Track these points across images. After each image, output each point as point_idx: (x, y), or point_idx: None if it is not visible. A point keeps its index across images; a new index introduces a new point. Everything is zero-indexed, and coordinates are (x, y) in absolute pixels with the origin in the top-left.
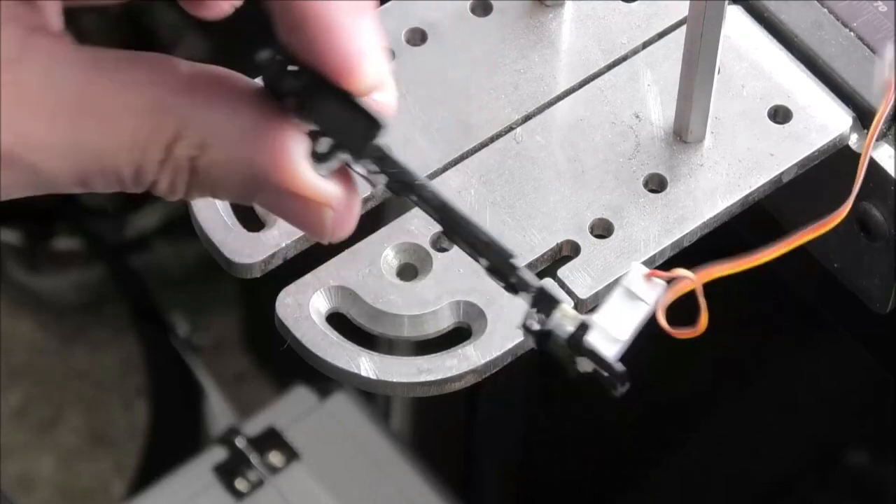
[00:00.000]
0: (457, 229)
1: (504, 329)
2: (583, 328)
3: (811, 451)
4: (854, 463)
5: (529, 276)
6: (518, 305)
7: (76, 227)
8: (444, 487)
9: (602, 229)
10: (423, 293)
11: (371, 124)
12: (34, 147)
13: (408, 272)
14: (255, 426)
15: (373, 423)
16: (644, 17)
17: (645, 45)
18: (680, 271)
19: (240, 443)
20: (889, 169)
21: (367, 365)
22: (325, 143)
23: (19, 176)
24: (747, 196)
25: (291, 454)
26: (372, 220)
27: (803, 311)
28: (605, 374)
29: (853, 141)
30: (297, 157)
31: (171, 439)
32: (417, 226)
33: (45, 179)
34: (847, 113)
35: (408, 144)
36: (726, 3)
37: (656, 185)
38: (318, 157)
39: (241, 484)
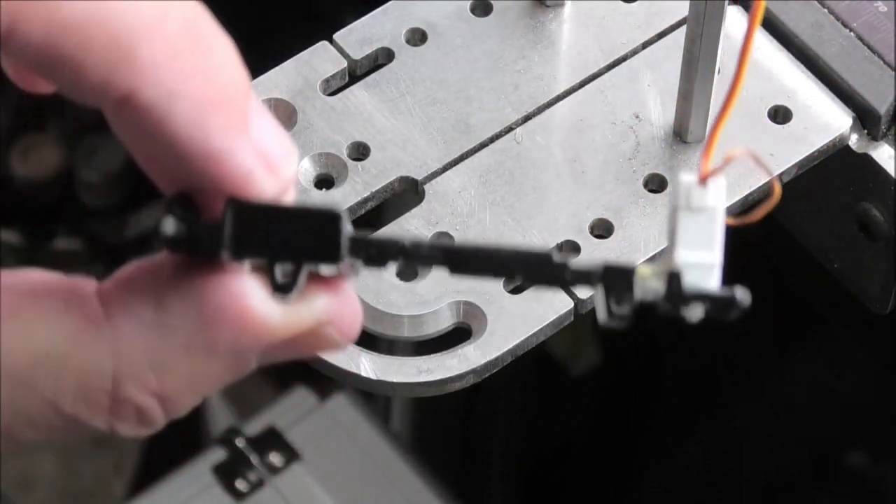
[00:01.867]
0: (474, 265)
1: (504, 329)
2: (674, 279)
3: (811, 452)
4: (854, 463)
5: (584, 264)
6: (517, 305)
7: (76, 227)
8: (444, 487)
9: (602, 229)
10: (423, 293)
11: (327, 218)
12: None
13: (408, 272)
14: (255, 426)
15: (373, 423)
16: (644, 17)
17: (645, 45)
18: (731, 152)
19: (240, 443)
20: (889, 169)
21: (367, 365)
22: (281, 271)
23: None
24: (747, 196)
25: (291, 454)
26: (372, 220)
27: (803, 311)
28: (722, 304)
29: (853, 141)
30: (257, 302)
31: (171, 439)
32: (417, 226)
33: None
34: (847, 113)
35: (408, 144)
36: (726, 3)
37: (656, 185)
38: (281, 288)
39: (241, 484)
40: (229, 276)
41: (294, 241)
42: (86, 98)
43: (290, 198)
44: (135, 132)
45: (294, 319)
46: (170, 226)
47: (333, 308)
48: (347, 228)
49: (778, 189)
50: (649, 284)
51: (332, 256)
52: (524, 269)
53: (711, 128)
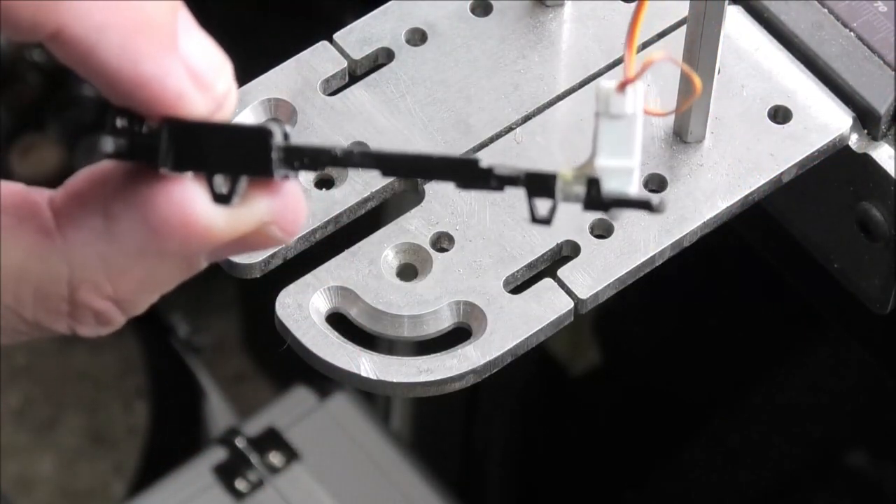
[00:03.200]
0: (404, 168)
1: (504, 329)
2: (593, 184)
3: (811, 452)
4: (854, 463)
5: (509, 170)
6: (517, 305)
7: None
8: (444, 487)
9: (602, 229)
10: (423, 293)
11: (257, 135)
12: None
13: (408, 272)
14: (255, 426)
15: (373, 423)
16: (644, 17)
17: (645, 45)
18: (648, 56)
19: (240, 443)
20: (889, 169)
21: (367, 365)
22: (221, 181)
23: None
24: (747, 196)
25: (291, 454)
26: (372, 220)
27: (803, 311)
28: (639, 208)
29: (853, 141)
30: (202, 207)
31: (171, 439)
32: (417, 226)
33: None
34: (847, 113)
35: (408, 144)
36: (726, 3)
37: (656, 185)
38: (221, 198)
39: (241, 484)
40: (173, 184)
41: (229, 155)
42: (21, 36)
43: (227, 110)
44: (72, 63)
45: (237, 222)
46: (108, 144)
47: (275, 208)
48: (278, 141)
49: (698, 83)
50: (570, 189)
51: (265, 171)
52: (452, 173)
53: (629, 28)
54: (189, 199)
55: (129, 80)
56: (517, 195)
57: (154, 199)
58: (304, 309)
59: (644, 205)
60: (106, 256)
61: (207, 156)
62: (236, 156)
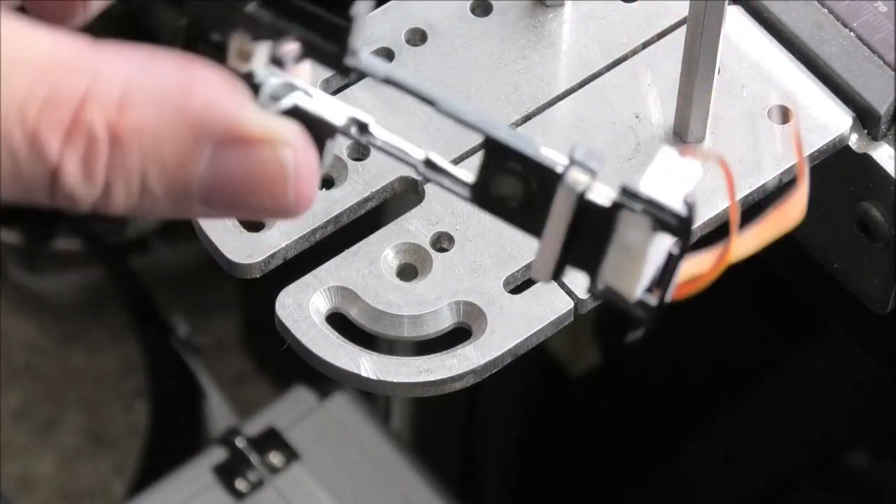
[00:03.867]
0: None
1: (504, 329)
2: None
3: (811, 452)
4: (854, 463)
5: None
6: (517, 305)
7: (76, 228)
8: (444, 487)
9: None
10: (423, 293)
11: (338, 24)
12: None
13: (408, 272)
14: (255, 426)
15: (373, 423)
16: (644, 17)
17: (645, 45)
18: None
19: (240, 443)
20: (889, 169)
21: (367, 365)
22: (275, 83)
23: None
24: (747, 196)
25: (291, 454)
26: (372, 220)
27: (803, 311)
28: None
29: (853, 141)
30: (239, 93)
31: (171, 439)
32: (417, 226)
33: None
34: (847, 113)
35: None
36: (726, 3)
37: None
38: (278, 62)
39: (241, 484)
40: (222, 67)
41: (309, 32)
42: None
43: None
44: None
45: (265, 122)
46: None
47: (301, 143)
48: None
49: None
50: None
51: (338, 60)
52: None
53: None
54: (233, 79)
55: None
56: None
57: (201, 62)
58: (304, 309)
59: (636, 316)
60: (130, 83)
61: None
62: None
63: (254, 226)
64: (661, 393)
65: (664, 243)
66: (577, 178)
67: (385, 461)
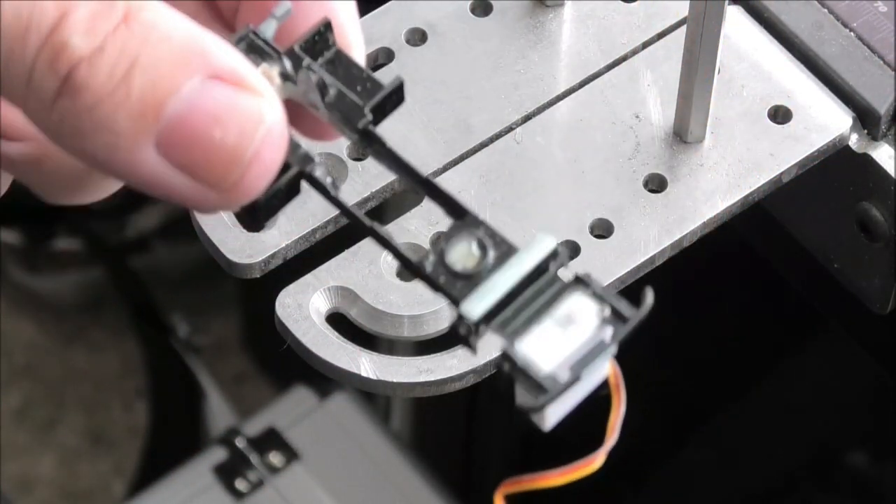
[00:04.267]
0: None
1: None
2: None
3: (811, 452)
4: (854, 463)
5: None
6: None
7: (76, 227)
8: (444, 487)
9: (602, 229)
10: (423, 293)
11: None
12: None
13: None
14: (255, 426)
15: (373, 423)
16: (644, 17)
17: (645, 45)
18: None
19: (240, 443)
20: (889, 169)
21: (367, 365)
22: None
23: None
24: (747, 196)
25: (291, 454)
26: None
27: (803, 311)
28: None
29: (853, 141)
30: (227, 43)
31: (171, 439)
32: (417, 226)
33: None
34: (847, 113)
35: (408, 144)
36: (726, 3)
37: (656, 185)
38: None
39: (241, 484)
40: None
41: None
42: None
43: None
44: None
45: (260, 80)
46: None
47: (280, 115)
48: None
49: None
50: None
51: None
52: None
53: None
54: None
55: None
56: (517, 195)
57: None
58: (304, 309)
59: (537, 387)
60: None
61: None
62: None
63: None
64: (660, 392)
65: (601, 332)
66: (555, 245)
67: (385, 461)
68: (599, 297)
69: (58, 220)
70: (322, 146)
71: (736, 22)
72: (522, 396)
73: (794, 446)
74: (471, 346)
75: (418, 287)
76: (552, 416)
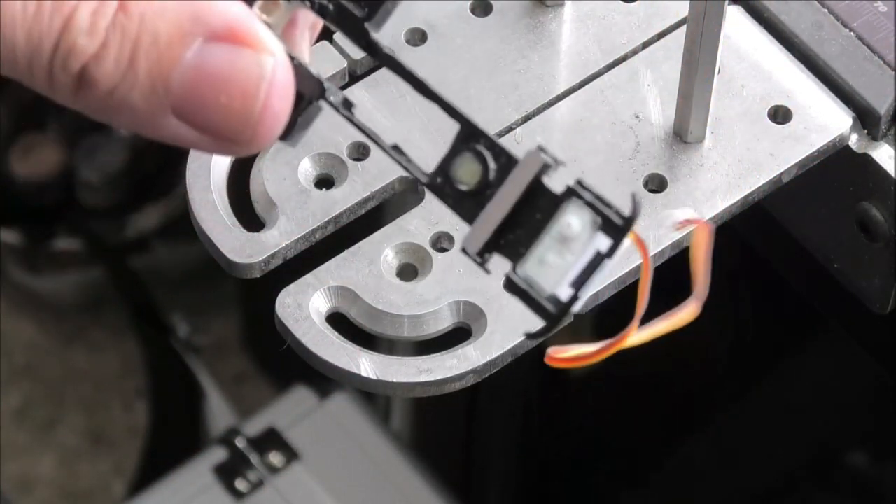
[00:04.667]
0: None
1: (504, 329)
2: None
3: (811, 452)
4: (854, 463)
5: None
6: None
7: (76, 228)
8: (444, 487)
9: None
10: (423, 293)
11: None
12: None
13: (408, 272)
14: (255, 426)
15: (373, 423)
16: (644, 17)
17: (645, 45)
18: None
19: (240, 443)
20: (889, 169)
21: (367, 365)
22: None
23: None
24: (747, 196)
25: (291, 454)
26: (372, 220)
27: (803, 311)
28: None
29: (853, 141)
30: (240, 4)
31: (171, 439)
32: (417, 226)
33: None
34: (847, 113)
35: (408, 144)
36: (726, 3)
37: (656, 185)
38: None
39: (241, 484)
40: None
41: None
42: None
43: None
44: None
45: (255, 27)
46: None
47: (281, 59)
48: None
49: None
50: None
51: None
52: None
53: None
54: None
55: None
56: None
57: None
58: (304, 309)
59: (546, 310)
60: None
61: None
62: None
63: (254, 226)
64: (661, 392)
65: (597, 243)
66: (542, 156)
67: (385, 461)
68: (591, 206)
69: (58, 220)
70: (322, 146)
71: (736, 22)
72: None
73: (794, 446)
74: (484, 269)
75: (418, 287)
76: (578, 304)
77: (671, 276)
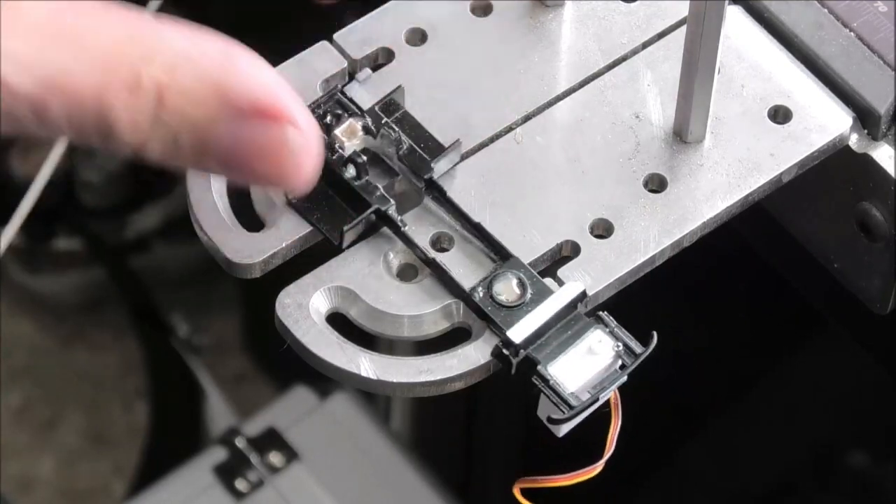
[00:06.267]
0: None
1: None
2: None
3: (811, 452)
4: (854, 463)
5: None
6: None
7: (76, 227)
8: (444, 487)
9: (602, 229)
10: (423, 293)
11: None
12: (5, 55)
13: (408, 272)
14: (255, 426)
15: (373, 423)
16: (644, 17)
17: (645, 45)
18: None
19: (240, 443)
20: (889, 169)
21: (367, 365)
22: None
23: None
24: (747, 196)
25: (291, 454)
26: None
27: (803, 311)
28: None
29: (853, 141)
30: (266, 74)
31: (171, 439)
32: (417, 226)
33: (7, 93)
34: (847, 113)
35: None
36: (726, 3)
37: (656, 185)
38: None
39: (241, 484)
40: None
41: None
42: None
43: None
44: None
45: (278, 93)
46: None
47: (306, 124)
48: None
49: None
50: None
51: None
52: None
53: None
54: (263, 63)
55: None
56: (517, 195)
57: (241, 46)
58: (304, 309)
59: (564, 402)
60: (182, 54)
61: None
62: None
63: (254, 226)
64: (660, 393)
65: (615, 362)
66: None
67: (385, 461)
68: (615, 334)
69: (58, 220)
70: None
71: (736, 22)
72: (548, 409)
73: (794, 446)
74: (510, 366)
75: (418, 287)
76: (567, 426)
77: (671, 276)
